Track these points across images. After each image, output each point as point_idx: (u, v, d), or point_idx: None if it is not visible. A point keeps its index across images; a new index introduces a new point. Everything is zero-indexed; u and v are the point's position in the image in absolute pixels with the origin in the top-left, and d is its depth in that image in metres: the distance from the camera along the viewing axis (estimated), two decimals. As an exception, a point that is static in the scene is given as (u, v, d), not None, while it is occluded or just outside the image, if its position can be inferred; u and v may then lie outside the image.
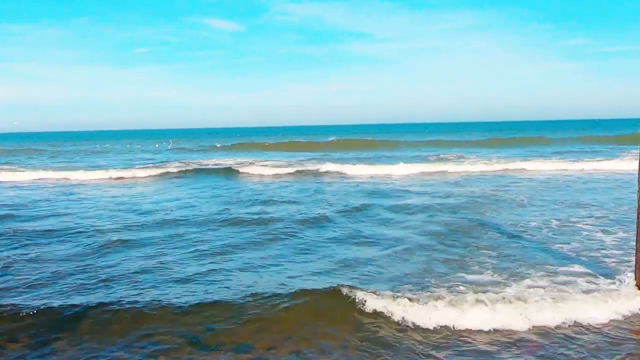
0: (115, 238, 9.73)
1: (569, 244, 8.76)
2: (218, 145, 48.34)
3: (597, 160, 22.92)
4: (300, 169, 23.72)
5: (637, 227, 6.22)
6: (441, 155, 29.25)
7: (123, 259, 8.37)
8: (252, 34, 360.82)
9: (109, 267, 7.87)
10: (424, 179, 19.31)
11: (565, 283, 6.68)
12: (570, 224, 10.23)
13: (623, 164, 20.92)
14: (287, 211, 12.52)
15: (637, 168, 6.28)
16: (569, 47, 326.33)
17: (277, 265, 7.97)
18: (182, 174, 23.13)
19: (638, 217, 6.20)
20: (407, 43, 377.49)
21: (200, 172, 23.97)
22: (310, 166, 24.55)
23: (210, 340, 5.29)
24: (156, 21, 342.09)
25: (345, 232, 10.12)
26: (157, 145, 55.07)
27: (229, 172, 23.67)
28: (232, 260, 8.25)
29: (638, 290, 6.21)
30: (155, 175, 22.81)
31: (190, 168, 25.08)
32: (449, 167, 22.95)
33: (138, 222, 11.47)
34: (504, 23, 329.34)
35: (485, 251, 8.46)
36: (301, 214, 12.06)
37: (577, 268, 7.34)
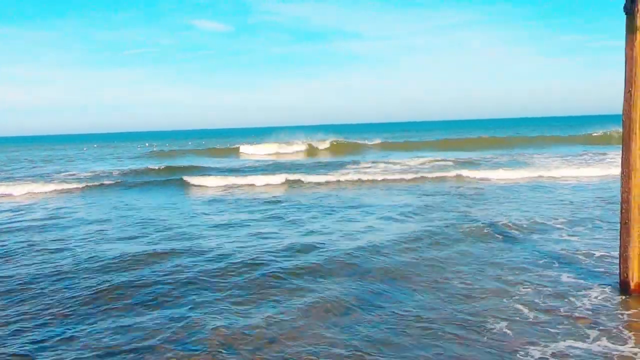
0: None
1: None
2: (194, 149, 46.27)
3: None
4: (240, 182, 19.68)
5: (620, 226, 6.11)
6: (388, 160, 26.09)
7: None
8: (241, 35, 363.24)
9: None
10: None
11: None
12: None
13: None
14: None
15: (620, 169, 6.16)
16: (558, 44, 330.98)
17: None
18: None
19: (621, 216, 6.09)
20: (396, 41, 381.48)
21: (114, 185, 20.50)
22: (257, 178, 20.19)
23: None
24: (146, 23, 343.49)
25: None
26: (139, 148, 54.40)
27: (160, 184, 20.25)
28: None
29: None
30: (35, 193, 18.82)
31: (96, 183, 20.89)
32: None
33: None
34: (491, 19, 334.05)
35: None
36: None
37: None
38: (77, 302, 6.47)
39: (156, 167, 26.18)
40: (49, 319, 5.97)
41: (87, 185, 20.33)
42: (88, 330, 5.61)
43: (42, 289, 7.11)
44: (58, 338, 5.43)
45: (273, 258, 8.23)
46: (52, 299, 6.64)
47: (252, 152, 39.28)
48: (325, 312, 5.97)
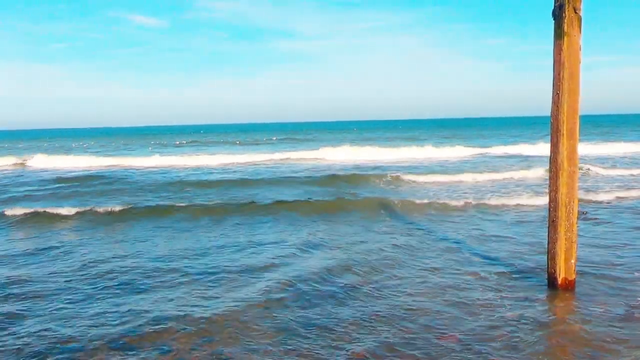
0: None
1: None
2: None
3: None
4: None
5: (549, 223, 6.33)
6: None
7: None
8: (176, 31, 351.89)
9: None
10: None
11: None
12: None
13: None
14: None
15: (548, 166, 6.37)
16: (488, 47, 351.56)
17: None
18: None
19: (549, 214, 6.31)
20: (333, 40, 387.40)
21: None
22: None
23: None
24: (75, 16, 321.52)
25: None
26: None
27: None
28: None
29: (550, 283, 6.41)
30: None
31: None
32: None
33: None
34: (427, 22, 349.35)
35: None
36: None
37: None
38: None
39: None
40: None
41: None
42: None
43: None
44: None
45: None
46: None
47: (43, 166, 27.19)
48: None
